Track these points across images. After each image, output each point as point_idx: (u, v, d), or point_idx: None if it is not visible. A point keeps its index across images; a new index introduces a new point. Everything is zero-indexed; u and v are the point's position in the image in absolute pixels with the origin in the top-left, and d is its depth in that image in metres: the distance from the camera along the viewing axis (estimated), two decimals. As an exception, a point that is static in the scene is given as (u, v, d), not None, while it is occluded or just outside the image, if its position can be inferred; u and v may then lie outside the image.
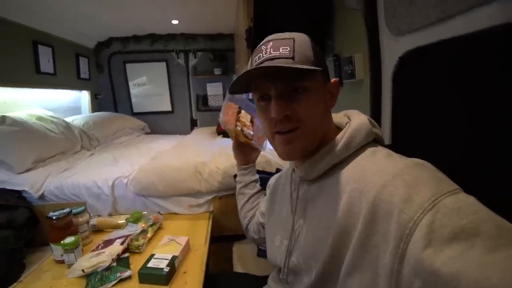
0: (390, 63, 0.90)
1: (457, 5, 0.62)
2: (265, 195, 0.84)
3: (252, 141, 0.84)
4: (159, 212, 1.21)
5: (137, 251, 0.93)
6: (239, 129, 0.83)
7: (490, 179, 0.59)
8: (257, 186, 0.88)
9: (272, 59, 0.45)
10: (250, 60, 0.51)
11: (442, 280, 0.27)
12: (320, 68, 0.45)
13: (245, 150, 0.88)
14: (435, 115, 0.77)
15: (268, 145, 1.76)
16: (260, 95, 0.49)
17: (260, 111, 0.51)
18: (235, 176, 0.94)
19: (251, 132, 0.83)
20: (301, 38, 0.47)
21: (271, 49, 0.46)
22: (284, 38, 0.47)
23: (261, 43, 0.49)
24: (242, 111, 0.87)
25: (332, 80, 0.52)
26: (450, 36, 0.66)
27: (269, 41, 0.48)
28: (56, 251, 0.87)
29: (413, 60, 0.82)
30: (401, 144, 0.90)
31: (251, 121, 0.87)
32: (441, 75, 0.74)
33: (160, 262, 0.81)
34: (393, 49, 0.87)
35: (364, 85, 1.05)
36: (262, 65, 0.45)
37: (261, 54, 0.47)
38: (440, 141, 0.76)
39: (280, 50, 0.45)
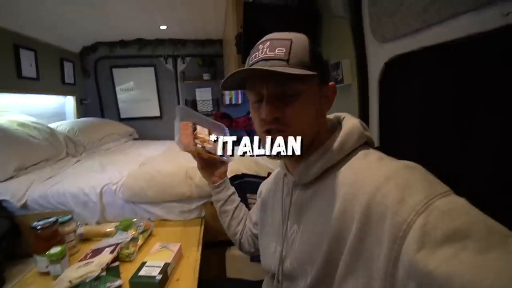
0: (376, 69, 0.94)
1: (436, 15, 0.66)
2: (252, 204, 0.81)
3: (218, 156, 0.77)
4: (149, 219, 1.19)
5: (127, 259, 0.90)
6: (200, 146, 0.75)
7: (475, 179, 0.62)
8: (237, 198, 0.83)
9: (267, 59, 0.45)
10: (248, 57, 0.50)
11: (436, 282, 0.28)
12: (313, 73, 0.44)
13: (212, 167, 0.81)
14: (420, 118, 0.81)
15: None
16: (254, 95, 0.49)
17: (253, 110, 0.51)
18: None
19: (212, 146, 0.77)
20: (299, 40, 0.46)
21: (267, 49, 0.46)
22: (282, 39, 0.46)
23: (260, 41, 0.49)
24: (198, 127, 0.79)
25: (330, 83, 0.51)
26: (432, 43, 0.70)
27: (267, 40, 0.47)
28: (41, 262, 0.84)
29: (398, 65, 0.86)
30: (389, 146, 0.94)
31: (209, 134, 0.80)
32: (425, 80, 0.78)
33: (152, 270, 0.79)
34: (379, 55, 0.91)
35: (352, 90, 1.08)
36: (256, 64, 0.46)
37: (257, 53, 0.47)
38: (426, 142, 0.79)
39: (276, 51, 0.45)
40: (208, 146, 0.77)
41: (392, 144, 0.93)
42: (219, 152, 0.76)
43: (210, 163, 0.80)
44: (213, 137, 0.78)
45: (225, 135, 0.85)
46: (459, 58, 0.66)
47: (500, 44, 0.56)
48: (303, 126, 0.47)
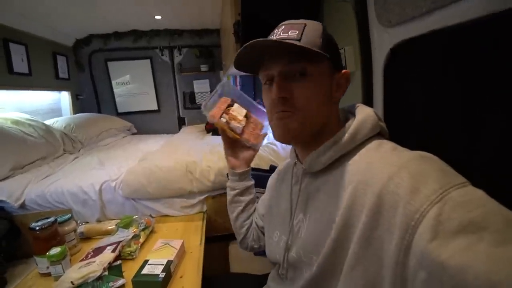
0: (381, 55, 0.89)
1: (449, -5, 0.61)
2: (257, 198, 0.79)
3: (242, 137, 0.73)
4: (150, 215, 1.17)
5: (129, 257, 0.89)
6: (224, 121, 0.71)
7: (486, 170, 0.60)
8: (254, 192, 0.79)
9: (279, 40, 0.45)
10: None
11: (448, 273, 0.27)
12: (325, 54, 0.44)
13: (237, 150, 0.76)
14: (426, 107, 0.78)
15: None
16: (266, 76, 0.49)
17: (264, 93, 0.51)
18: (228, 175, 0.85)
19: (240, 126, 0.73)
20: (313, 25, 0.47)
21: (281, 32, 0.47)
22: (297, 23, 0.47)
23: (277, 26, 0.50)
24: (235, 105, 0.77)
25: (343, 71, 0.50)
26: (441, 26, 0.66)
27: (282, 25, 0.48)
28: (41, 263, 0.82)
29: (404, 51, 0.82)
30: (394, 136, 0.90)
31: (246, 116, 0.77)
32: (433, 66, 0.74)
33: (154, 268, 0.77)
34: (384, 41, 0.87)
35: (355, 78, 1.04)
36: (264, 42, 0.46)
37: (272, 37, 0.48)
38: (432, 132, 0.76)
39: (289, 33, 0.46)
40: (234, 124, 0.73)
41: (397, 134, 0.90)
42: (246, 136, 0.74)
43: (234, 145, 0.76)
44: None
45: (266, 121, 0.81)
46: (472, 41, 0.62)
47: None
48: (311, 109, 0.46)
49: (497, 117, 0.58)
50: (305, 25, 0.46)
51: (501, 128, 0.57)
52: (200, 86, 3.10)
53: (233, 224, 0.79)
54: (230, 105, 0.76)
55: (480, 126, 0.62)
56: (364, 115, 0.48)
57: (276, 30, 0.48)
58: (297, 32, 0.45)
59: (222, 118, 0.72)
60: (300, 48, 0.43)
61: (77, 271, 0.76)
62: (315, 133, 0.48)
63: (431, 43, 0.73)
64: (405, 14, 0.75)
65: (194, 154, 1.39)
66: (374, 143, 0.45)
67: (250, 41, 0.44)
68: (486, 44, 0.59)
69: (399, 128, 0.89)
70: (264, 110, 0.79)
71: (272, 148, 1.41)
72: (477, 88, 0.62)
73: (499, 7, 0.52)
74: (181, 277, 0.81)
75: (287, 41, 0.44)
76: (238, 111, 0.76)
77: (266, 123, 0.82)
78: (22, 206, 1.18)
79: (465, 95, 0.65)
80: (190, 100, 3.14)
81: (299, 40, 0.44)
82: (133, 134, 2.81)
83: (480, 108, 0.62)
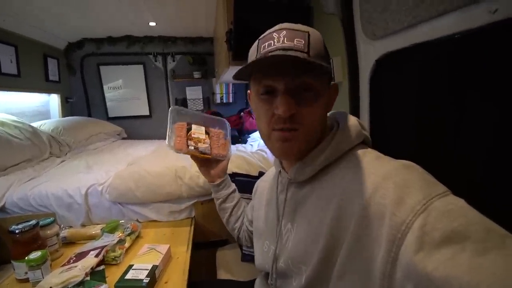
0: (367, 66, 0.93)
1: (427, 12, 0.66)
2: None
3: (213, 155, 0.76)
4: (137, 220, 1.15)
5: (113, 262, 0.87)
6: (192, 148, 0.73)
7: (466, 177, 0.62)
8: (237, 196, 0.83)
9: (286, 49, 0.42)
10: (257, 45, 0.46)
11: (434, 284, 0.27)
12: (331, 68, 0.45)
13: (209, 166, 0.79)
14: (411, 116, 0.81)
15: (249, 149, 1.72)
16: (265, 87, 0.45)
17: (260, 104, 0.47)
18: None
19: (207, 145, 0.76)
20: (316, 35, 0.45)
21: (285, 38, 0.42)
22: (299, 30, 0.44)
23: (272, 29, 0.45)
24: (193, 126, 0.77)
25: (333, 83, 0.50)
26: (422, 40, 0.70)
27: (282, 29, 0.44)
28: (19, 268, 0.79)
29: (389, 63, 0.86)
30: (379, 145, 0.93)
31: (206, 132, 0.78)
32: (416, 77, 0.78)
33: (139, 273, 0.76)
34: (370, 53, 0.91)
35: (342, 88, 1.08)
36: (274, 53, 0.42)
37: (272, 42, 0.43)
38: (417, 141, 0.79)
39: (295, 41, 0.42)
40: (202, 146, 0.75)
41: (383, 143, 0.93)
42: (215, 151, 0.77)
43: (207, 162, 0.79)
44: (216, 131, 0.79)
45: (226, 129, 0.84)
46: (449, 55, 0.66)
47: (487, 41, 0.56)
48: (315, 123, 0.45)
49: (477, 124, 0.61)
50: (308, 33, 0.43)
51: (483, 134, 0.60)
52: (193, 93, 3.12)
53: (227, 227, 0.85)
54: (189, 129, 0.76)
55: (463, 134, 0.65)
56: (348, 125, 0.48)
57: (275, 34, 0.43)
58: (303, 42, 0.42)
59: (190, 147, 0.73)
60: (310, 66, 0.41)
61: (57, 276, 0.74)
62: (311, 148, 0.48)
63: (414, 56, 0.77)
64: (388, 28, 0.79)
65: (184, 160, 1.38)
66: (358, 153, 0.45)
67: (263, 56, 0.42)
68: (464, 57, 0.63)
69: (385, 137, 0.93)
70: (216, 117, 0.84)
71: (261, 155, 1.42)
72: (458, 97, 0.66)
73: (474, 23, 0.56)
74: (166, 282, 0.80)
75: (296, 53, 0.41)
76: (198, 131, 0.77)
77: (226, 131, 0.83)
78: (2, 209, 1.14)
79: (447, 104, 0.69)
80: (183, 106, 3.14)
81: (308, 52, 0.42)
82: (123, 139, 2.77)
83: (461, 116, 0.65)
